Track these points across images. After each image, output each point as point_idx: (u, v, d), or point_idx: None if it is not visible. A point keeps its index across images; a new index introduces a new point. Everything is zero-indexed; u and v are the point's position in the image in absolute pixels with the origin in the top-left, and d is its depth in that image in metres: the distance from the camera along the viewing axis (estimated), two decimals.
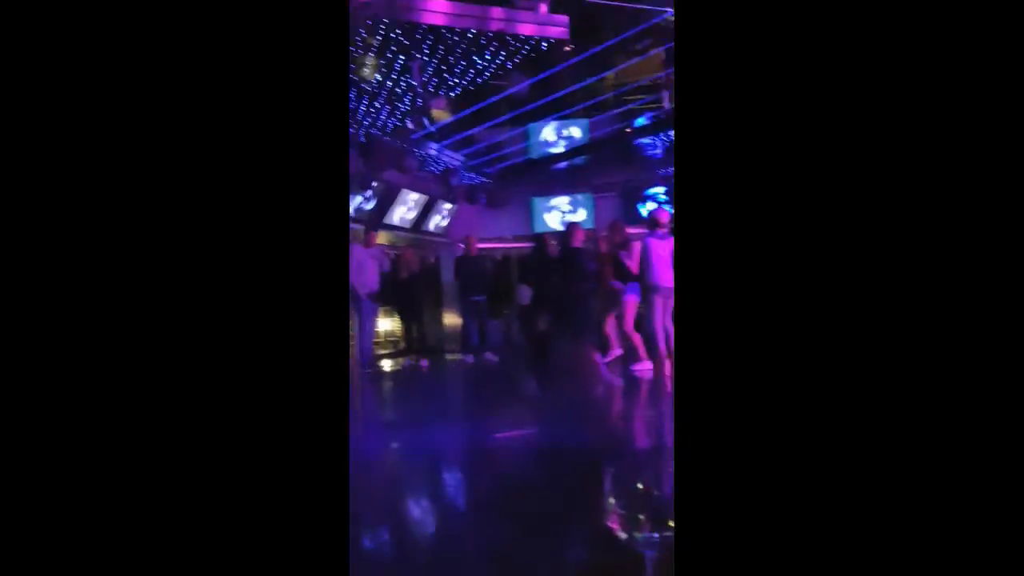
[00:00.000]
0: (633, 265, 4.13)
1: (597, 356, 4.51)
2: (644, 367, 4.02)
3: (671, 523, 0.73)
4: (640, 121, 6.27)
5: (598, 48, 5.46)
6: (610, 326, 4.54)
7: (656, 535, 0.72)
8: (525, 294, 5.58)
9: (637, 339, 4.15)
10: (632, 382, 3.89)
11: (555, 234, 5.41)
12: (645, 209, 6.56)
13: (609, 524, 0.75)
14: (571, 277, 4.57)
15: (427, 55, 4.86)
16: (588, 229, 5.86)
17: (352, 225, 5.44)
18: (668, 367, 3.84)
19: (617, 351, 4.48)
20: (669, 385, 3.52)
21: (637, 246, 4.14)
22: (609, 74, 6.06)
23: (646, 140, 6.33)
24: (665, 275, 3.87)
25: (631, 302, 4.21)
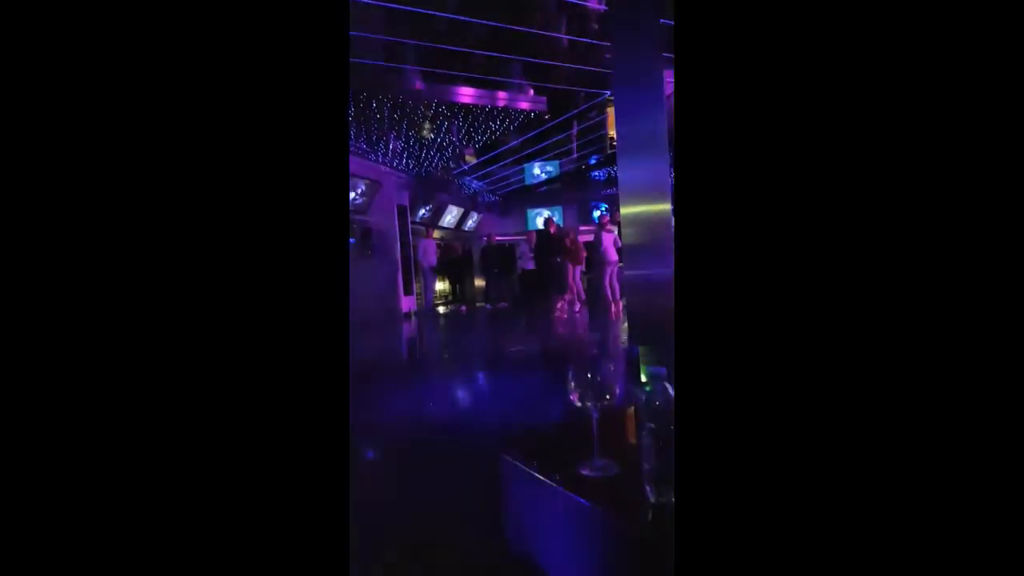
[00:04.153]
0: (609, 247, 6.84)
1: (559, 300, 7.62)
2: (567, 306, 7.07)
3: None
4: (592, 160, 10.12)
5: (565, 116, 9.22)
6: (571, 279, 7.62)
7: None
8: (520, 265, 9.48)
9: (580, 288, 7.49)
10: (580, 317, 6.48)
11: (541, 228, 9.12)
12: (596, 214, 10.47)
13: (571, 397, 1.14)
14: (548, 251, 7.91)
15: (461, 121, 8.65)
16: (558, 225, 9.68)
17: (418, 226, 9.40)
18: (613, 310, 6.34)
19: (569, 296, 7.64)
20: (614, 318, 5.87)
21: (608, 236, 6.83)
22: (573, 132, 9.87)
23: (595, 172, 10.19)
24: (610, 253, 6.81)
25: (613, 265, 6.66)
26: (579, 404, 0.97)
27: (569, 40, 6.69)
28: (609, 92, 7.37)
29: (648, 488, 0.85)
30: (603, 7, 7.58)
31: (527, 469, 1.05)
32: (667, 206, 2.12)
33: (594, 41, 6.62)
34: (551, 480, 0.98)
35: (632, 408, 1.24)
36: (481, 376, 3.58)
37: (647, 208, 2.12)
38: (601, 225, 7.07)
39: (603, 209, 10.42)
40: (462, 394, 3.15)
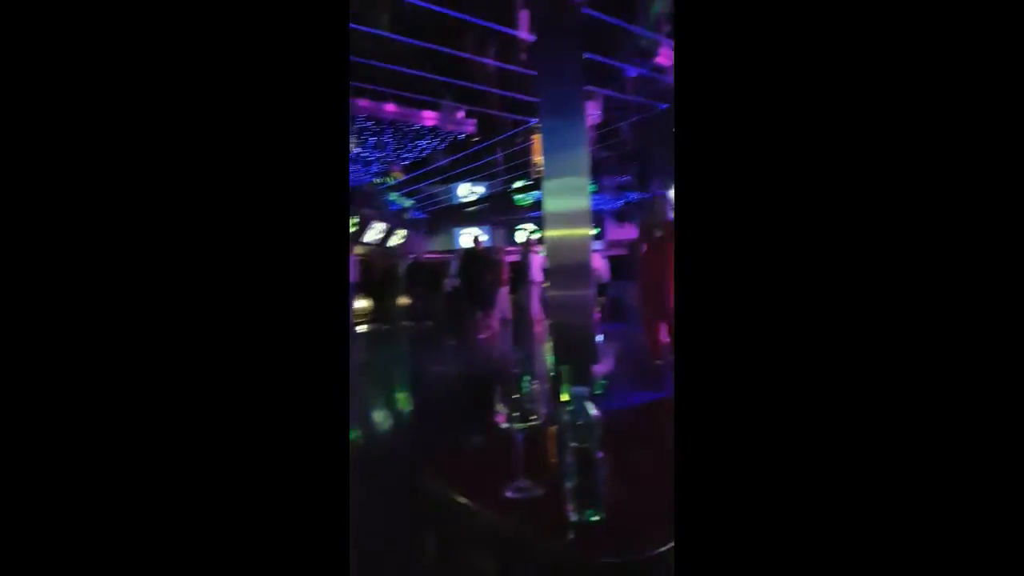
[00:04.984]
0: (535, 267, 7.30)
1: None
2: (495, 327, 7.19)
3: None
4: (518, 183, 10.40)
5: (493, 140, 9.44)
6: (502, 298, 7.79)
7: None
8: (449, 283, 9.42)
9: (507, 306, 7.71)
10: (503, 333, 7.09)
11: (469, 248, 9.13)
12: (521, 235, 10.72)
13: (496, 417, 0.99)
14: (475, 269, 7.92)
15: (389, 138, 8.59)
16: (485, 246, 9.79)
17: None
18: (538, 327, 6.64)
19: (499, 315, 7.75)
20: (539, 334, 6.29)
21: (535, 258, 7.30)
22: (499, 156, 10.12)
23: (521, 195, 10.48)
24: (536, 274, 7.09)
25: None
26: (505, 425, 0.97)
27: (498, 67, 6.95)
28: (535, 120, 7.65)
29: (569, 507, 0.86)
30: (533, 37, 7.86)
31: (448, 492, 1.02)
32: (588, 230, 2.24)
33: (523, 70, 6.90)
34: (473, 503, 0.97)
35: (554, 427, 1.25)
36: (401, 396, 3.47)
37: (569, 232, 2.23)
38: (528, 246, 7.31)
39: (531, 231, 10.71)
40: (380, 415, 3.03)
